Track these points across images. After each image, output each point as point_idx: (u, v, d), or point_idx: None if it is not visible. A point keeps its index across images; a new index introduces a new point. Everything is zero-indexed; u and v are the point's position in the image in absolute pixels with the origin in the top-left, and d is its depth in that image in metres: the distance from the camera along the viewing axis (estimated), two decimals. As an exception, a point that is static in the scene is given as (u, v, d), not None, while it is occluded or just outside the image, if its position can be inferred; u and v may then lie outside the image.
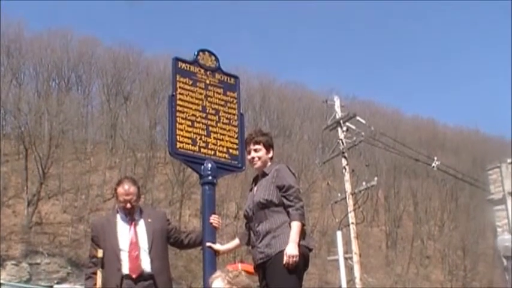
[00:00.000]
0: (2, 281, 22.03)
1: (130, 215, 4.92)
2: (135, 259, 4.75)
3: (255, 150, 4.75)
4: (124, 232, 4.86)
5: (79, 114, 55.31)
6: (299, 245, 4.44)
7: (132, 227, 4.88)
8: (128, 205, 4.88)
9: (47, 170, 48.79)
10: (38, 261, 44.52)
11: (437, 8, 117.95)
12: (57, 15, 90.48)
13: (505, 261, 14.67)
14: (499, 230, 19.00)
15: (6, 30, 52.17)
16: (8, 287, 18.23)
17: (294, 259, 4.33)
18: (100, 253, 4.74)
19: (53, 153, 49.55)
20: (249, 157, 4.80)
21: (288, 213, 4.52)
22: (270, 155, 4.80)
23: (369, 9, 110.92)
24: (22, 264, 44.14)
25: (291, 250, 4.34)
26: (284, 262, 4.34)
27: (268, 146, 4.79)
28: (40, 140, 49.96)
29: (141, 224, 4.92)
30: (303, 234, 4.52)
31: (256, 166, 4.77)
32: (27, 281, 35.72)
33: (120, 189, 4.94)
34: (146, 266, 4.77)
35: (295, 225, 4.42)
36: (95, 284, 4.66)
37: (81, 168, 51.07)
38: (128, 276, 4.70)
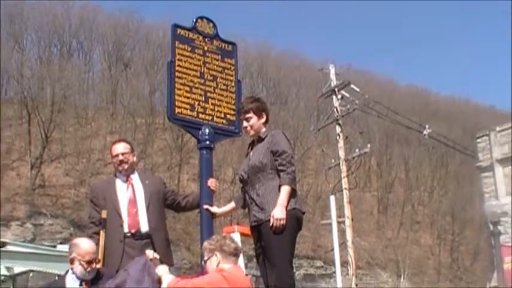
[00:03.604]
0: (7, 240, 22.20)
1: (126, 173, 4.98)
2: (134, 215, 4.82)
3: (247, 120, 4.74)
4: (122, 191, 4.92)
5: (80, 80, 54.96)
6: (292, 208, 4.47)
7: (130, 187, 4.95)
8: (121, 156, 4.96)
9: (49, 134, 48.85)
10: (42, 222, 44.90)
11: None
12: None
13: (491, 226, 14.78)
14: (486, 196, 19.17)
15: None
16: (13, 247, 18.38)
17: (281, 222, 4.36)
18: (104, 214, 4.78)
19: (55, 118, 49.54)
20: (244, 126, 4.81)
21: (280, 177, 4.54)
22: (263, 119, 4.77)
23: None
24: (26, 225, 44.52)
25: (278, 213, 4.36)
26: (271, 224, 4.37)
27: (259, 111, 4.75)
28: (42, 105, 49.82)
29: (138, 184, 4.97)
30: (295, 197, 4.55)
31: (250, 134, 4.79)
32: (32, 241, 36.03)
33: (113, 147, 5.09)
34: (144, 224, 4.82)
35: (285, 189, 4.44)
36: (97, 244, 4.68)
37: (83, 133, 51.08)
38: (128, 234, 4.77)
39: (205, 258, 4.06)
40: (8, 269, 15.90)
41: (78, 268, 4.22)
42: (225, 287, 3.78)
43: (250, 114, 4.73)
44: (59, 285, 4.31)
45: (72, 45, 56.85)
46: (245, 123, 4.76)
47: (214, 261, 3.98)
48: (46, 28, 54.76)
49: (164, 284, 3.97)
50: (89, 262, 4.20)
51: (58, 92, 50.65)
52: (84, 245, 4.30)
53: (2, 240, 20.72)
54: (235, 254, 4.07)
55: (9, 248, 17.43)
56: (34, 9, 54.56)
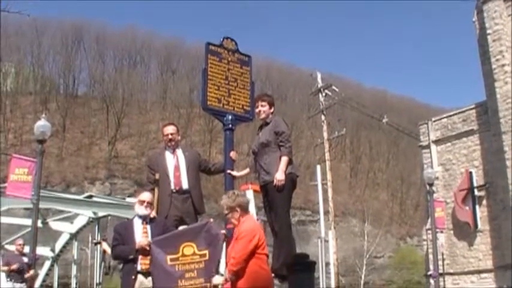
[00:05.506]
0: (93, 194, 22.56)
1: (173, 147, 4.93)
2: (178, 177, 4.81)
3: (262, 105, 4.70)
4: (170, 160, 4.89)
5: (142, 83, 55.27)
6: (289, 173, 4.44)
7: (175, 156, 4.92)
8: (169, 136, 4.92)
9: (120, 120, 49.20)
10: (115, 181, 45.35)
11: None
12: (126, 15, 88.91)
13: (428, 187, 14.87)
14: (425, 166, 19.21)
15: (94, 26, 53.29)
16: (97, 198, 18.66)
17: (281, 182, 4.35)
18: (157, 176, 4.77)
19: (124, 109, 49.89)
20: (257, 110, 4.75)
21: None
22: (271, 110, 4.74)
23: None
24: (105, 184, 45.03)
25: (279, 176, 4.36)
26: (274, 184, 4.36)
27: (271, 104, 4.74)
28: (116, 100, 50.23)
29: (181, 155, 4.94)
30: (291, 165, 4.52)
31: (261, 117, 4.73)
32: (109, 195, 36.50)
33: (164, 128, 5.06)
34: (185, 183, 4.81)
35: (284, 159, 4.43)
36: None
37: (143, 120, 51.31)
38: (174, 191, 4.74)
39: (226, 212, 3.87)
40: (94, 213, 16.12)
41: (137, 207, 4.27)
42: (255, 236, 3.73)
43: (265, 103, 4.71)
44: (129, 223, 4.32)
45: (137, 59, 56.97)
46: (260, 108, 4.69)
47: (236, 215, 3.84)
48: (119, 46, 54.94)
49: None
50: (142, 202, 4.23)
51: (127, 91, 51.15)
52: (142, 193, 4.39)
53: (90, 193, 21.00)
54: (248, 207, 3.97)
55: (94, 199, 17.64)
56: (112, 36, 54.86)
